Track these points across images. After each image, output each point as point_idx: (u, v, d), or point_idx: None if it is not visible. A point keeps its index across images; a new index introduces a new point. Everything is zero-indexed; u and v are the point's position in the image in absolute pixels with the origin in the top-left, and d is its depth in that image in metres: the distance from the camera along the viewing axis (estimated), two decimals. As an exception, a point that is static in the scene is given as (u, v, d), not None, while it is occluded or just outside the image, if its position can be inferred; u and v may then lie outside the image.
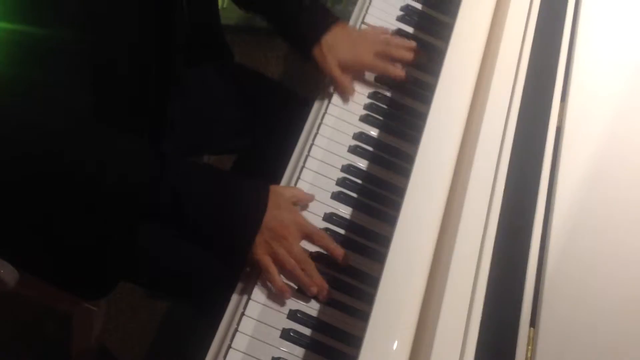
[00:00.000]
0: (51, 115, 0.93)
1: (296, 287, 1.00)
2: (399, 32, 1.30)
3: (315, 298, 1.00)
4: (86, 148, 0.95)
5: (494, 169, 0.94)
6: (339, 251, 1.01)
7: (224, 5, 2.09)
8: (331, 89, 1.19)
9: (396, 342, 0.81)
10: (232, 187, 1.00)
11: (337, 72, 1.17)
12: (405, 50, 1.22)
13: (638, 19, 1.11)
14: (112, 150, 0.97)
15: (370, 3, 1.33)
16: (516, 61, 1.04)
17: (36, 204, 1.10)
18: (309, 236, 1.01)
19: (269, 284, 0.99)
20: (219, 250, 1.06)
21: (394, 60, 1.21)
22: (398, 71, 1.20)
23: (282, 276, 0.99)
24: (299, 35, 1.20)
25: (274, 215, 0.99)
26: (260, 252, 0.98)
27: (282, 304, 0.98)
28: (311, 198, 1.06)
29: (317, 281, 0.99)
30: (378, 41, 1.21)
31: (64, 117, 0.94)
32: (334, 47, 1.17)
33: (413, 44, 1.24)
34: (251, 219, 0.98)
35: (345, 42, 1.18)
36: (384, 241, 1.02)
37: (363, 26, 1.28)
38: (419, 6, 1.35)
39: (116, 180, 0.96)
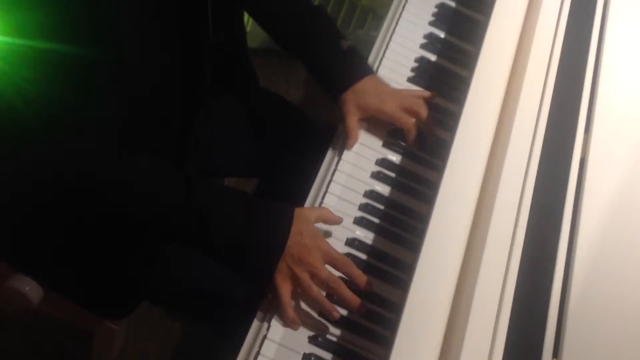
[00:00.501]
0: (82, 136, 0.94)
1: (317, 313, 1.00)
2: (422, 60, 1.31)
3: (338, 322, 1.00)
4: (116, 170, 0.96)
5: (518, 199, 0.95)
6: (362, 278, 1.01)
7: (248, 30, 2.11)
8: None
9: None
10: (256, 211, 1.00)
11: (351, 117, 1.16)
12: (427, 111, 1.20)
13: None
14: (141, 172, 0.98)
15: (394, 30, 1.35)
16: (540, 92, 1.06)
17: (64, 223, 1.11)
18: (332, 262, 1.01)
19: (280, 311, 0.98)
20: (242, 273, 1.07)
21: (418, 117, 1.18)
22: (414, 135, 1.18)
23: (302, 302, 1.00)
24: (330, 80, 1.20)
25: (297, 240, 0.99)
26: (281, 278, 0.98)
27: (304, 328, 0.99)
28: (339, 220, 1.06)
29: (350, 299, 0.99)
30: (407, 96, 1.20)
31: (95, 138, 0.96)
32: (360, 93, 1.17)
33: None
34: (274, 244, 0.98)
35: (373, 91, 1.18)
36: (406, 268, 1.03)
37: (387, 52, 1.30)
38: (442, 34, 1.36)
39: (144, 202, 0.98)
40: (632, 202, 0.96)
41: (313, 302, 1.00)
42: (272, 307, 1.00)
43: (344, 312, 1.01)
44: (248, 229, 0.98)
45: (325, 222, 1.05)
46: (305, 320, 0.99)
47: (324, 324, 1.00)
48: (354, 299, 0.99)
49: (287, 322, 0.98)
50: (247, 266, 1.00)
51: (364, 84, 1.17)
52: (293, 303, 0.99)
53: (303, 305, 1.01)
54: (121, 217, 1.03)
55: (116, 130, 0.99)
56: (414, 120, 1.18)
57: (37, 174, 0.97)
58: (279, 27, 1.24)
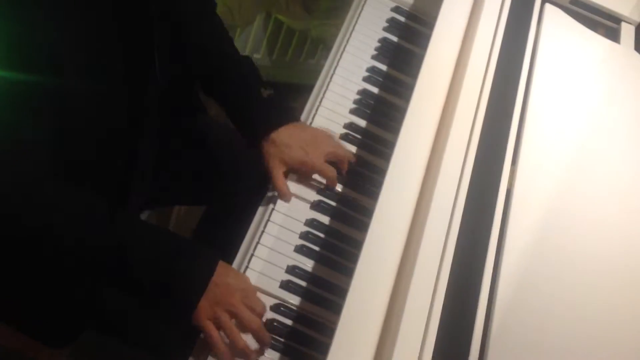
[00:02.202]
0: (12, 160, 0.92)
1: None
2: (364, 92, 1.36)
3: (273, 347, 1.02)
4: (39, 211, 0.94)
5: (447, 225, 0.99)
6: (260, 330, 1.01)
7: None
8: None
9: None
10: (181, 251, 1.00)
11: (277, 174, 1.16)
12: (350, 155, 1.22)
13: (585, 92, 1.19)
14: (61, 208, 0.96)
15: (338, 64, 1.39)
16: (471, 124, 1.10)
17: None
18: (252, 306, 1.01)
19: (212, 347, 0.99)
20: (165, 313, 1.06)
21: (340, 160, 1.21)
22: (335, 184, 1.19)
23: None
24: (249, 125, 1.20)
25: (220, 280, 0.99)
26: (202, 317, 0.98)
27: None
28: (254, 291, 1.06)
29: (264, 341, 1.00)
30: (330, 148, 1.20)
31: (25, 162, 0.94)
32: (283, 146, 1.16)
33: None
34: (196, 282, 0.98)
35: (294, 142, 1.17)
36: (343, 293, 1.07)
37: (331, 84, 1.34)
38: (384, 67, 1.41)
39: (62, 239, 0.96)
40: (554, 234, 1.01)
41: (232, 343, 1.00)
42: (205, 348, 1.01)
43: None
44: (169, 267, 0.98)
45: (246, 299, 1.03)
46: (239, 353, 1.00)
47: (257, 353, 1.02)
48: (268, 338, 1.01)
49: (221, 357, 0.99)
50: (168, 305, 1.00)
51: (285, 135, 1.17)
52: (222, 339, 0.99)
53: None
54: (45, 256, 1.01)
55: (50, 155, 0.97)
56: (334, 171, 1.19)
57: None
58: (201, 68, 1.24)
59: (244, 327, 1.00)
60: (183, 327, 1.01)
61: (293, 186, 1.19)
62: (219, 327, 0.99)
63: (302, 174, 1.20)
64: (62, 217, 0.96)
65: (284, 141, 1.16)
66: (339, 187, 1.22)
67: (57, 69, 0.93)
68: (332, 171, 1.19)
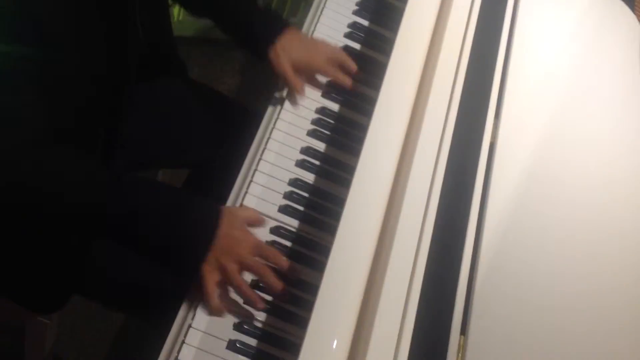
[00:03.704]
0: (5, 139, 0.93)
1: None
2: (346, 49, 1.34)
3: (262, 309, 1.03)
4: (41, 173, 0.96)
5: (429, 182, 0.99)
6: (289, 266, 1.04)
7: (180, 18, 2.11)
8: (283, 94, 1.23)
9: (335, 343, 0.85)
10: (184, 205, 1.02)
11: (290, 72, 1.21)
12: (352, 62, 1.27)
13: (568, 44, 1.17)
14: (66, 173, 0.98)
15: (318, 20, 1.37)
16: (453, 77, 1.10)
17: None
18: (260, 253, 1.03)
19: (204, 300, 1.00)
20: (171, 266, 1.08)
21: (343, 68, 1.26)
22: (347, 79, 1.25)
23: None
24: (253, 37, 1.23)
25: (226, 233, 1.01)
26: (208, 269, 1.00)
27: (227, 316, 1.01)
28: (263, 221, 1.09)
29: (276, 285, 1.02)
30: (330, 48, 1.27)
31: (19, 140, 0.95)
32: (288, 48, 1.21)
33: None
34: (203, 236, 1.00)
35: (298, 44, 1.23)
36: (327, 252, 1.06)
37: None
38: (366, 23, 1.39)
39: (70, 203, 0.98)
40: (538, 187, 1.01)
41: (239, 293, 1.02)
42: (197, 296, 1.02)
43: (268, 297, 1.04)
44: (177, 223, 0.99)
45: (251, 222, 1.07)
46: (230, 309, 1.02)
47: (248, 311, 1.02)
48: (279, 285, 1.02)
49: (211, 311, 1.00)
50: (176, 257, 1.02)
51: (289, 39, 1.22)
52: (218, 292, 1.01)
53: (229, 295, 1.03)
54: (49, 217, 1.02)
55: (37, 124, 0.97)
56: (338, 70, 1.25)
57: None
58: None
59: (254, 274, 1.02)
60: (185, 277, 1.03)
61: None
62: (225, 276, 1.00)
63: (307, 75, 1.24)
64: (67, 180, 0.97)
65: (288, 44, 1.22)
66: (320, 146, 1.21)
67: (38, 37, 0.92)
68: (335, 70, 1.25)
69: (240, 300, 1.03)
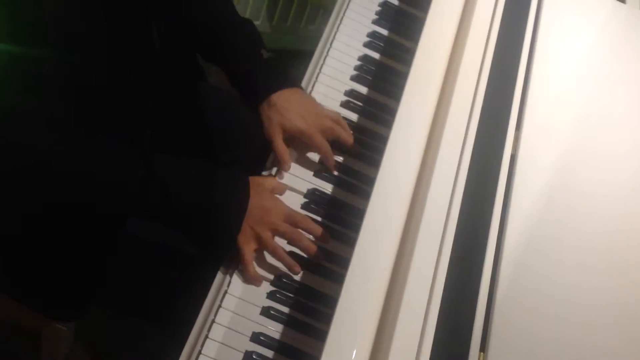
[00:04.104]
0: (35, 132, 0.94)
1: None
2: (365, 58, 1.33)
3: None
4: (73, 159, 0.97)
5: (450, 195, 0.98)
6: (319, 230, 1.07)
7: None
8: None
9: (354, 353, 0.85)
10: (215, 177, 1.04)
11: (277, 139, 1.14)
12: (349, 135, 1.19)
13: (589, 56, 1.16)
14: (99, 157, 0.99)
15: (338, 29, 1.36)
16: (474, 89, 1.08)
17: (13, 223, 1.11)
18: (291, 220, 1.06)
19: (242, 270, 1.03)
20: (207, 240, 1.08)
21: (337, 140, 1.18)
22: (332, 161, 1.16)
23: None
24: (249, 88, 1.17)
25: (257, 202, 1.04)
26: (244, 239, 1.03)
27: (245, 328, 1.01)
28: (285, 188, 1.12)
29: (310, 247, 1.05)
30: (328, 117, 1.17)
31: (42, 131, 0.95)
32: (282, 110, 1.14)
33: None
34: (237, 206, 1.03)
35: (294, 108, 1.14)
36: (345, 263, 1.06)
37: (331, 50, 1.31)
38: (385, 32, 1.38)
39: (105, 186, 0.99)
40: (559, 199, 1.00)
41: (276, 258, 1.05)
42: (214, 306, 1.02)
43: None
44: (210, 195, 1.02)
45: (275, 192, 1.10)
46: (267, 276, 1.05)
47: (285, 275, 1.06)
48: (313, 247, 1.06)
49: (249, 280, 1.03)
50: (212, 231, 1.04)
51: (285, 99, 1.14)
52: (254, 261, 1.04)
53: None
54: (82, 203, 1.04)
55: (65, 122, 0.99)
56: (329, 147, 1.16)
57: None
58: (200, 34, 1.22)
59: (288, 240, 1.06)
60: (221, 250, 1.06)
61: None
62: (261, 244, 1.03)
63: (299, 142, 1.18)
64: (103, 163, 0.99)
65: (284, 105, 1.14)
66: (339, 158, 1.20)
67: (64, 43, 0.94)
68: (327, 147, 1.15)
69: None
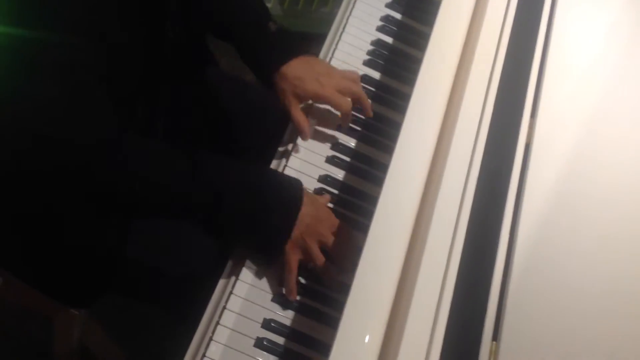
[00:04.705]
0: (73, 129, 0.94)
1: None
2: (378, 42, 1.32)
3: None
4: (117, 161, 0.96)
5: (464, 183, 0.96)
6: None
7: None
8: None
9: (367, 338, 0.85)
10: (266, 182, 1.02)
11: (294, 109, 1.13)
12: (367, 99, 1.19)
13: (606, 43, 1.14)
14: (144, 159, 0.99)
15: (350, 13, 1.35)
16: (488, 76, 1.06)
17: (31, 212, 1.11)
18: (339, 234, 1.04)
19: (284, 279, 1.02)
20: (254, 246, 1.06)
21: (354, 99, 1.17)
22: (348, 119, 1.17)
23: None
24: (260, 63, 1.16)
25: (309, 211, 1.02)
26: (293, 247, 1.01)
27: (256, 314, 1.01)
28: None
29: (348, 268, 1.01)
30: (344, 77, 1.17)
31: (89, 130, 0.95)
32: (294, 80, 1.13)
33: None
34: (289, 215, 1.01)
35: (307, 74, 1.13)
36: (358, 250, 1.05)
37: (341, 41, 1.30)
38: (398, 16, 1.37)
39: (153, 189, 0.99)
40: (574, 188, 0.98)
41: (320, 270, 1.03)
42: (225, 294, 1.02)
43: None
44: (261, 200, 1.00)
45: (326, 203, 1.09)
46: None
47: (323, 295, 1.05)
48: (350, 267, 1.01)
49: (287, 291, 1.02)
50: (261, 238, 1.02)
51: (297, 68, 1.13)
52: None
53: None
54: (128, 206, 1.04)
55: (110, 119, 0.98)
56: (350, 103, 1.16)
57: (28, 166, 0.96)
58: (207, 11, 1.21)
59: (332, 255, 1.03)
60: (269, 256, 1.03)
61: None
62: (306, 256, 1.01)
63: (317, 111, 1.17)
64: (149, 167, 0.98)
65: (296, 74, 1.13)
66: (352, 142, 1.19)
67: (76, 29, 0.92)
68: (347, 103, 1.15)
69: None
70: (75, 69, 0.93)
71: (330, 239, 1.02)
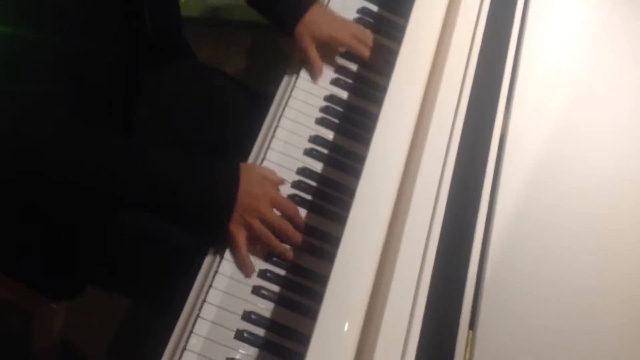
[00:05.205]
0: (29, 120, 0.95)
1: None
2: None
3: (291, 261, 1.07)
4: (63, 149, 0.98)
5: (439, 174, 0.98)
6: (301, 221, 1.09)
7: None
8: (291, 81, 1.24)
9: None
10: (204, 168, 1.05)
11: (312, 48, 1.23)
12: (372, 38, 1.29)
13: (580, 35, 1.16)
14: (87, 148, 1.00)
15: (327, 4, 1.35)
16: (463, 68, 1.08)
17: (9, 203, 1.12)
18: (280, 207, 1.07)
19: (236, 257, 1.05)
20: (197, 229, 1.11)
21: (366, 43, 1.28)
22: (367, 51, 1.27)
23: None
24: (280, 15, 1.27)
25: (246, 190, 1.05)
26: (235, 227, 1.04)
27: (236, 306, 1.02)
28: (277, 176, 1.12)
29: (296, 237, 1.07)
30: (353, 25, 1.29)
31: (43, 120, 0.97)
32: (313, 24, 1.24)
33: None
34: (226, 197, 1.04)
35: (324, 20, 1.26)
36: (336, 241, 1.07)
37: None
38: (375, 8, 1.38)
39: (93, 177, 1.00)
40: (549, 179, 1.00)
41: (268, 245, 1.06)
42: (205, 286, 1.03)
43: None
44: (199, 186, 1.03)
45: (265, 177, 1.10)
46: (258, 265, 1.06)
47: (277, 262, 1.07)
48: (299, 237, 1.07)
49: (241, 267, 1.04)
50: (203, 222, 1.05)
51: (314, 14, 1.25)
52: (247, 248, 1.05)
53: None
54: (71, 192, 1.06)
55: (56, 107, 0.99)
56: (361, 44, 1.27)
57: None
58: None
59: (274, 230, 1.06)
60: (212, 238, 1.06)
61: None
62: (251, 233, 1.05)
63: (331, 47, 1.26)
64: (91, 154, 1.00)
65: (314, 19, 1.25)
66: (330, 135, 1.20)
67: (53, 25, 0.95)
68: (361, 45, 1.26)
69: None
70: (32, 63, 0.94)
71: (268, 215, 1.05)
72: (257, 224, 1.05)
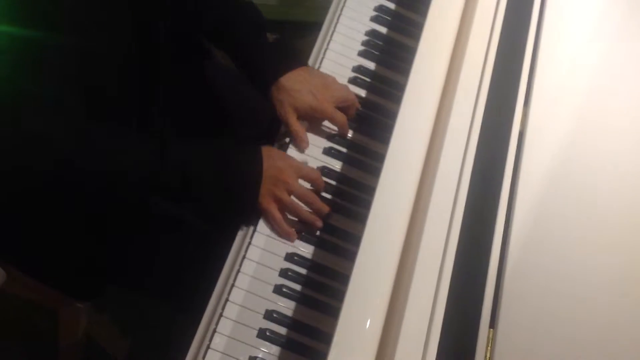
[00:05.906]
0: (51, 124, 0.97)
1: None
2: (372, 33, 1.33)
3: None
4: (91, 153, 1.00)
5: (459, 172, 0.98)
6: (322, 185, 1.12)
7: None
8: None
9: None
10: (228, 150, 1.08)
11: (292, 120, 1.16)
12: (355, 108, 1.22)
13: (597, 28, 1.15)
14: (116, 150, 1.02)
15: (345, 3, 1.36)
16: (482, 64, 1.08)
17: (33, 205, 1.13)
18: (305, 176, 1.10)
19: (274, 229, 1.08)
20: (230, 212, 1.12)
21: (347, 112, 1.20)
22: (347, 129, 1.19)
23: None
24: (257, 73, 1.18)
25: (270, 164, 1.07)
26: (266, 202, 1.07)
27: (259, 305, 1.03)
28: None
29: (322, 208, 1.10)
30: (339, 93, 1.19)
31: (64, 124, 0.98)
32: (292, 92, 1.15)
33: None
34: (253, 174, 1.06)
35: (303, 87, 1.15)
36: (357, 240, 1.07)
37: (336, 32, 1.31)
38: (392, 6, 1.38)
39: (125, 177, 1.03)
40: (568, 175, 1.00)
41: (298, 216, 1.10)
42: (227, 286, 1.04)
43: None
44: (227, 171, 1.06)
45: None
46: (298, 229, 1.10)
47: (312, 228, 1.11)
48: (325, 207, 1.10)
49: (283, 236, 1.08)
50: (235, 204, 1.08)
51: (294, 80, 1.16)
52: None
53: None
54: (104, 193, 1.08)
55: (80, 112, 1.01)
56: (345, 117, 1.18)
57: (10, 164, 0.98)
58: (203, 18, 1.23)
59: (302, 200, 1.09)
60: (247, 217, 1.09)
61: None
62: (281, 206, 1.08)
63: (313, 120, 1.19)
64: (120, 156, 1.02)
65: (294, 86, 1.16)
66: (349, 133, 1.21)
67: (73, 26, 0.96)
68: (342, 117, 1.18)
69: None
70: (52, 65, 0.95)
71: (295, 186, 1.08)
72: (285, 196, 1.07)
